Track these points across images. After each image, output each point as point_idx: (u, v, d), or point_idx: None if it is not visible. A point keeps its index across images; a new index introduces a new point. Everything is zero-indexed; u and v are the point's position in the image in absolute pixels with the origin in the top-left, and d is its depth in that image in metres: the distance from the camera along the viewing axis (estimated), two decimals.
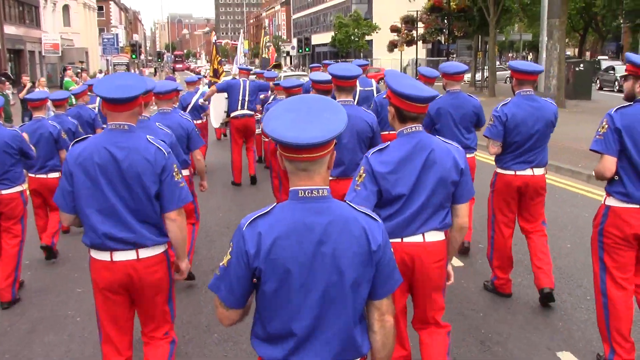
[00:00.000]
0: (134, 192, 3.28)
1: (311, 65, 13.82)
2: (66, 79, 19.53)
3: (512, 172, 5.31)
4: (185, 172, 5.71)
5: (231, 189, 10.65)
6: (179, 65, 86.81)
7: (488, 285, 5.77)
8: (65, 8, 55.43)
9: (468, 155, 6.49)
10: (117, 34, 38.09)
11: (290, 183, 2.14)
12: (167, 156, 3.35)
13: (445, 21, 35.07)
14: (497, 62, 41.06)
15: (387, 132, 8.61)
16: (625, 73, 4.08)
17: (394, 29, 43.33)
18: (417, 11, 38.79)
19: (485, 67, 32.87)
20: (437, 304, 3.46)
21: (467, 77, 38.10)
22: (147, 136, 3.40)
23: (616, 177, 3.97)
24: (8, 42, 36.44)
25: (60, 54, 45.19)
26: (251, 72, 12.23)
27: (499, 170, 5.42)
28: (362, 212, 2.18)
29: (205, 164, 9.79)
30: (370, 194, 3.20)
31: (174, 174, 3.39)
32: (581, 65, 27.27)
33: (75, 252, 7.03)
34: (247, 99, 10.33)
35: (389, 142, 3.29)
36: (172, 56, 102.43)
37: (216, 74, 15.08)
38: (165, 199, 3.36)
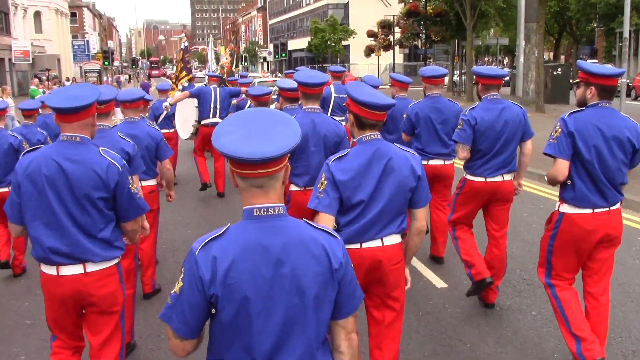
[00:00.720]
0: (83, 206, 3.25)
1: (285, 72, 13.41)
2: (32, 87, 18.92)
3: (482, 179, 5.16)
4: (153, 182, 5.69)
5: (201, 202, 10.15)
6: (155, 72, 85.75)
7: (470, 290, 5.41)
8: (37, 14, 54.39)
9: (447, 162, 6.22)
10: (87, 41, 37.36)
11: (244, 201, 2.06)
12: (121, 170, 3.32)
13: (422, 26, 34.91)
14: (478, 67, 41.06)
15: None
16: (577, 80, 4.15)
17: (370, 34, 43.12)
18: (393, 16, 38.64)
19: (463, 72, 32.69)
20: (397, 303, 3.51)
21: (446, 81, 38.09)
22: (100, 149, 3.34)
23: (568, 182, 4.05)
24: None
25: (31, 61, 44.29)
26: (221, 79, 11.70)
27: (468, 177, 5.27)
28: (321, 230, 2.12)
29: (175, 174, 9.38)
30: (333, 201, 3.26)
31: (130, 186, 3.39)
32: (559, 69, 27.21)
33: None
34: (218, 106, 9.91)
35: (349, 150, 3.36)
36: (148, 62, 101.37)
37: (177, 80, 14.45)
38: (123, 211, 3.41)
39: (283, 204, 2.09)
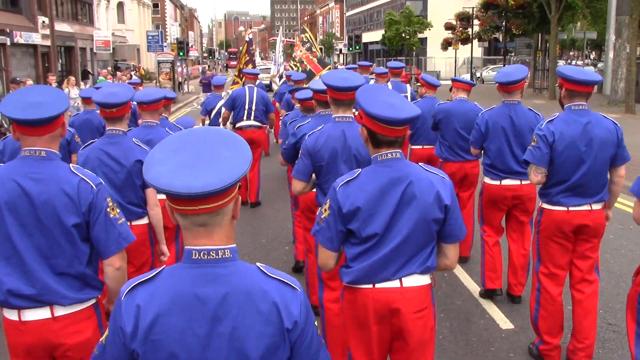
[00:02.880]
0: (50, 236, 2.66)
1: (348, 67, 12.60)
2: (100, 77, 18.88)
3: (563, 208, 4.20)
4: None
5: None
6: (233, 62, 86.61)
7: (532, 350, 4.52)
8: (120, 5, 55.77)
9: (525, 182, 5.22)
10: (161, 31, 37.52)
11: (185, 241, 1.75)
12: (96, 189, 2.71)
13: (502, 18, 33.18)
14: (560, 62, 38.94)
15: (419, 147, 7.40)
16: None
17: (448, 27, 41.60)
18: (472, 8, 36.97)
19: (546, 68, 30.79)
20: None
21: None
22: (71, 165, 2.77)
23: None
24: (59, 39, 36.51)
25: (111, 51, 45.28)
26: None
27: (545, 206, 4.31)
28: (276, 279, 1.78)
29: None
30: (334, 236, 2.76)
31: (108, 210, 2.75)
32: None
33: None
34: (253, 107, 9.01)
35: (360, 170, 2.79)
36: (227, 53, 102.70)
37: (240, 74, 13.91)
38: (101, 242, 2.74)
39: (232, 246, 1.76)
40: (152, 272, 1.78)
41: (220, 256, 1.72)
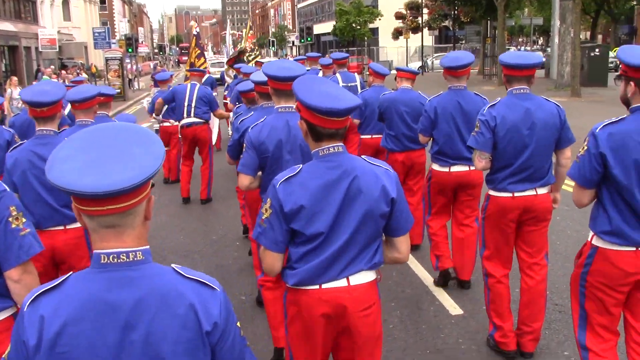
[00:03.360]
0: None
1: (296, 58, 12.49)
2: (45, 76, 18.35)
3: (509, 194, 4.19)
4: None
5: (201, 205, 9.36)
6: (185, 58, 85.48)
7: (490, 342, 4.55)
8: (65, 2, 54.28)
9: (473, 168, 5.23)
10: (108, 28, 36.66)
11: (93, 245, 1.64)
12: None
13: (451, 6, 33.53)
14: (510, 48, 39.48)
15: (368, 136, 7.39)
16: (619, 73, 3.15)
17: (398, 16, 41.87)
18: None
19: (495, 54, 31.27)
20: None
21: (476, 64, 36.54)
22: None
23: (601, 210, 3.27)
24: (1, 38, 35.46)
25: (57, 50, 44.11)
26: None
27: (492, 193, 4.31)
28: (193, 279, 1.68)
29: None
30: (280, 237, 2.61)
31: (10, 219, 2.61)
32: (596, 49, 25.55)
33: None
34: (193, 104, 8.87)
35: (301, 166, 2.65)
36: (178, 49, 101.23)
37: (192, 67, 13.70)
38: (0, 254, 2.60)
39: (145, 247, 1.65)
40: (58, 279, 1.66)
41: (131, 259, 1.62)
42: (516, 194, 4.18)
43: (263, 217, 2.62)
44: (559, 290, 5.43)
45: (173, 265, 1.71)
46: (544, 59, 5.10)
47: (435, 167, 5.40)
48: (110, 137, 1.66)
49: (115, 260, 1.61)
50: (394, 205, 2.63)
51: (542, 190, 4.22)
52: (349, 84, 8.57)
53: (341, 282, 2.63)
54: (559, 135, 4.15)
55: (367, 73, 7.74)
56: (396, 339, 4.69)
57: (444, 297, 5.38)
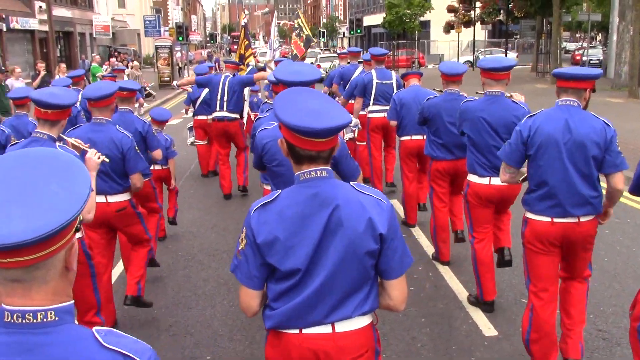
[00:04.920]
0: None
1: (339, 52, 12.21)
2: (94, 64, 18.55)
3: (547, 219, 3.85)
4: (122, 197, 4.74)
5: (234, 202, 9.21)
6: (236, 47, 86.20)
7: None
8: None
9: None
10: (159, 16, 36.96)
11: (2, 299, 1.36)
12: None
13: (505, 0, 32.58)
14: (571, 45, 38.23)
15: (408, 138, 7.07)
16: None
17: (450, 9, 40.97)
18: None
19: (549, 51, 30.22)
20: None
21: (529, 61, 35.58)
22: None
23: None
24: (57, 24, 36.14)
25: (111, 36, 44.85)
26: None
27: (529, 215, 3.97)
28: (114, 351, 1.36)
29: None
30: (255, 270, 2.28)
31: None
32: None
33: None
34: (225, 98, 8.70)
35: (279, 192, 2.31)
36: (230, 37, 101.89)
37: (242, 59, 13.59)
38: None
39: (60, 305, 1.37)
40: None
41: (39, 320, 1.34)
42: (556, 220, 3.83)
43: (239, 248, 2.32)
44: (605, 314, 5.04)
45: (96, 328, 1.41)
46: (600, 71, 4.66)
47: (473, 178, 5.05)
48: (26, 170, 1.37)
49: (20, 320, 1.33)
50: (383, 243, 2.25)
51: (585, 219, 3.84)
52: (384, 82, 8.24)
53: (325, 328, 2.28)
54: (602, 157, 3.75)
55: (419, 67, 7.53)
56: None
57: (478, 315, 5.05)
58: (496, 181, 4.86)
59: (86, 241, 3.94)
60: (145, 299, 5.10)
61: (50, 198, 1.31)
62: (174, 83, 9.43)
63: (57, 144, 3.76)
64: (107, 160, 3.96)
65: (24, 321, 1.33)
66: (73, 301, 1.43)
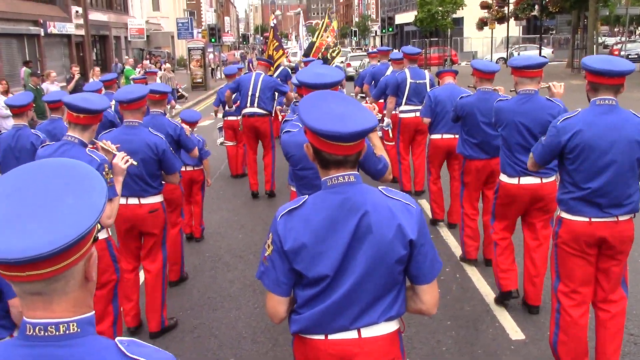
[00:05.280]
0: None
1: (369, 52, 12.13)
2: (127, 67, 18.81)
3: (585, 219, 3.71)
4: (156, 199, 4.79)
5: (263, 202, 9.22)
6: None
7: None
8: None
9: (548, 180, 4.76)
10: (190, 18, 37.29)
11: (22, 311, 1.37)
12: None
13: None
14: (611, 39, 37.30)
15: (438, 136, 6.98)
16: None
17: (484, 6, 40.40)
18: None
19: (585, 47, 29.59)
20: None
21: (566, 57, 34.92)
22: None
23: None
24: (93, 28, 36.79)
25: (145, 39, 45.47)
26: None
27: (564, 216, 3.84)
28: None
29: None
30: (282, 277, 2.27)
31: None
32: None
33: None
34: (257, 94, 8.73)
35: (306, 197, 2.27)
36: (262, 38, 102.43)
37: (270, 60, 13.64)
38: None
39: (82, 317, 1.37)
40: None
41: (62, 332, 1.34)
42: (593, 219, 3.71)
43: (266, 254, 2.30)
44: (637, 317, 4.89)
45: (118, 339, 1.42)
46: (636, 66, 4.47)
47: (504, 177, 4.95)
48: (40, 182, 1.38)
49: (42, 333, 1.33)
50: (413, 249, 2.21)
51: (623, 218, 3.72)
52: (418, 81, 8.15)
53: (351, 334, 2.25)
54: None
55: (452, 64, 7.44)
56: None
57: (505, 318, 4.96)
58: (525, 181, 4.78)
59: (113, 242, 3.96)
60: (171, 323, 5.03)
61: (67, 210, 1.31)
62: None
63: (88, 148, 3.80)
64: (135, 163, 3.96)
65: (46, 334, 1.33)
66: (94, 312, 1.43)
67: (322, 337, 2.27)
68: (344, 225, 2.18)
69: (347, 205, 2.19)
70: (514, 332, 4.74)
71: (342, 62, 21.05)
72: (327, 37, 15.60)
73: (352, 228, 2.18)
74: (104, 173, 3.63)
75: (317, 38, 13.49)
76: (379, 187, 2.29)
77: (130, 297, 4.83)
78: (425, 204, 8.12)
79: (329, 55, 14.24)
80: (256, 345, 4.72)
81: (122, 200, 4.51)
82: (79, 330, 1.36)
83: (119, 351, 1.37)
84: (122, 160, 3.85)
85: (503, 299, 5.12)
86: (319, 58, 12.75)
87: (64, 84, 16.20)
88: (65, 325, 1.34)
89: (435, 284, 2.34)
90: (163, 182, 5.03)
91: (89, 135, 3.84)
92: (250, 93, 8.74)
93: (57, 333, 1.33)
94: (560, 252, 3.89)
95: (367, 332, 2.25)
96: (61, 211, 1.31)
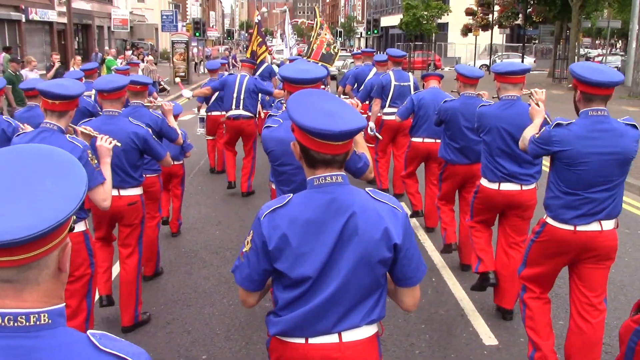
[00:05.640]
0: None
1: (353, 52, 12.14)
2: (109, 57, 18.60)
3: (570, 227, 3.74)
4: (135, 192, 4.77)
5: (241, 198, 9.15)
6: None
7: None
8: None
9: (528, 187, 4.78)
10: (175, 11, 36.97)
11: None
12: None
13: (523, 5, 32.29)
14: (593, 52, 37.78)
15: (419, 140, 7.01)
16: None
17: (469, 12, 40.71)
18: None
19: (567, 57, 29.91)
20: None
21: (547, 66, 35.31)
22: None
23: None
24: (75, 17, 36.38)
25: (128, 30, 45.06)
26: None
27: (550, 222, 3.85)
28: (111, 354, 1.31)
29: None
30: (254, 274, 2.25)
31: None
32: None
33: None
34: (242, 96, 8.69)
35: (291, 196, 2.24)
36: (247, 34, 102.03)
37: (253, 56, 13.59)
38: None
39: (53, 308, 1.32)
40: None
41: (32, 322, 1.29)
42: (579, 228, 3.73)
43: (243, 250, 2.28)
44: (609, 326, 4.92)
45: (90, 332, 1.37)
46: (622, 76, 4.49)
47: (484, 182, 4.98)
48: (21, 166, 1.34)
49: (12, 323, 1.27)
50: (398, 252, 2.20)
51: (607, 225, 3.73)
52: (402, 84, 8.17)
53: (332, 338, 2.21)
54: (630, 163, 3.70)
55: (435, 69, 7.45)
56: None
57: (479, 323, 4.98)
58: (505, 187, 4.80)
59: (90, 235, 3.89)
60: (144, 318, 4.97)
61: (45, 196, 1.28)
62: (184, 93, 9.37)
63: (67, 135, 3.73)
64: (119, 144, 3.97)
65: (16, 324, 1.28)
66: (65, 304, 1.38)
67: (302, 340, 2.22)
68: (331, 227, 2.15)
69: (334, 206, 2.16)
70: (488, 337, 4.76)
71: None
72: (325, 34, 15.59)
73: (338, 229, 2.15)
74: (89, 159, 3.58)
75: (314, 38, 13.42)
76: (366, 189, 2.27)
77: (102, 265, 4.76)
78: (403, 204, 8.14)
79: (332, 50, 14.21)
80: (229, 342, 4.68)
81: None
82: (49, 321, 1.31)
83: (91, 344, 1.33)
84: (105, 142, 3.84)
85: (482, 282, 5.10)
86: (323, 54, 12.71)
87: (44, 71, 15.97)
88: (36, 315, 1.29)
89: (418, 287, 2.34)
90: (144, 175, 5.03)
91: (65, 122, 3.75)
92: (235, 95, 8.69)
93: (27, 324, 1.29)
94: (536, 251, 3.95)
95: (348, 336, 2.22)
96: (39, 197, 1.27)
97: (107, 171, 3.78)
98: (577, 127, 3.65)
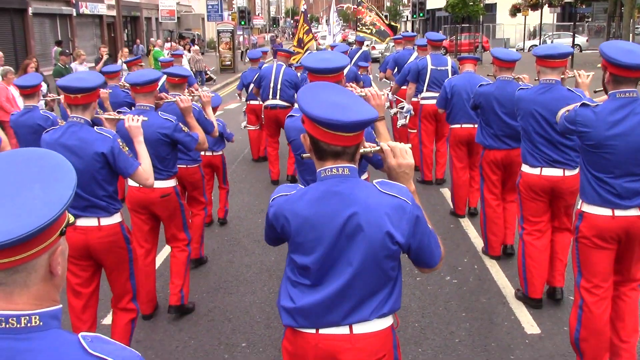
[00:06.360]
0: None
1: (394, 37, 12.01)
2: (156, 48, 18.89)
3: (608, 212, 3.62)
4: (168, 184, 4.82)
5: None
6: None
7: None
8: None
9: (571, 173, 4.64)
10: (220, 1, 37.22)
11: None
12: None
13: None
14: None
15: (458, 126, 6.89)
16: None
17: None
18: None
19: (620, 35, 28.88)
20: None
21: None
22: None
23: None
24: (124, 9, 37.07)
25: (176, 21, 45.66)
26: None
27: (585, 209, 3.74)
28: (99, 358, 1.30)
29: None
30: (271, 239, 2.47)
31: None
32: None
33: None
34: (279, 86, 8.68)
35: (300, 187, 2.29)
36: (293, 21, 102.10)
37: (300, 44, 13.66)
38: None
39: (44, 310, 1.33)
40: None
41: (23, 324, 1.30)
42: (617, 213, 3.61)
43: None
44: None
45: (82, 334, 1.37)
46: None
47: (525, 168, 4.85)
48: (12, 170, 1.35)
49: (3, 325, 1.29)
50: (405, 247, 2.20)
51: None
52: (439, 68, 8.05)
53: (343, 330, 2.23)
54: None
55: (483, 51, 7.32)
56: (460, 356, 4.30)
57: (521, 312, 4.89)
58: (547, 172, 4.67)
59: (125, 226, 3.99)
60: (189, 305, 5.04)
61: (30, 201, 1.29)
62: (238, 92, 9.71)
63: (95, 127, 3.82)
64: (146, 118, 4.05)
65: (7, 326, 1.29)
66: (60, 306, 1.40)
67: (313, 331, 2.25)
68: (333, 220, 2.16)
69: (336, 199, 2.16)
70: (530, 326, 4.67)
71: (367, 45, 20.85)
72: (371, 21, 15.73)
73: (340, 223, 2.15)
74: (120, 147, 3.68)
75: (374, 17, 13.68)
76: (375, 181, 2.25)
77: (144, 284, 4.82)
78: (447, 192, 8.04)
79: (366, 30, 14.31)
80: (269, 330, 4.73)
81: (135, 184, 4.55)
82: (41, 323, 1.32)
83: (80, 347, 1.32)
84: (132, 121, 3.93)
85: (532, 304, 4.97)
86: (380, 30, 12.88)
87: (93, 64, 16.34)
88: (27, 317, 1.31)
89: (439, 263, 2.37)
90: (186, 165, 5.19)
91: (90, 114, 3.81)
92: (272, 85, 8.72)
93: (18, 326, 1.29)
94: (581, 247, 3.81)
95: (359, 329, 2.23)
96: (25, 201, 1.28)
97: (142, 150, 3.88)
98: (602, 110, 3.56)
